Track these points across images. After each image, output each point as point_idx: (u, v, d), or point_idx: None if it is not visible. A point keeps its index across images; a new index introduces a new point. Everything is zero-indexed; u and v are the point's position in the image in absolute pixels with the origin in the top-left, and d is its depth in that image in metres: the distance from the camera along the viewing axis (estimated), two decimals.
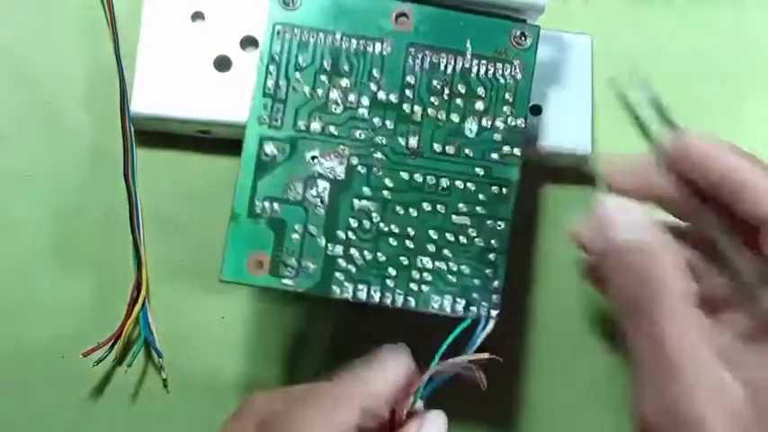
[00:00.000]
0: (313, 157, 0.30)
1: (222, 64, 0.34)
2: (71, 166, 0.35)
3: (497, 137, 0.30)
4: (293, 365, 0.35)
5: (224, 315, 0.35)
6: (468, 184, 0.30)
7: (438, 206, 0.30)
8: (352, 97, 0.30)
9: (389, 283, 0.29)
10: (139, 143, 0.35)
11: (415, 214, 0.30)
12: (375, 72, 0.30)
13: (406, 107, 0.30)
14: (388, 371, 0.27)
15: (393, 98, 0.30)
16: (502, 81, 0.30)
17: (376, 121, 0.30)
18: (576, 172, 0.37)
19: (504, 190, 0.30)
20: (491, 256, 0.30)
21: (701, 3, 0.39)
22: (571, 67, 0.35)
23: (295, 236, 0.29)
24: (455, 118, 0.30)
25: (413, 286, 0.30)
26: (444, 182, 0.30)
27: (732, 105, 0.38)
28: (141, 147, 0.35)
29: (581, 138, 0.35)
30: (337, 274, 0.29)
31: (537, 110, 0.35)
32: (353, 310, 0.35)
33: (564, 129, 0.35)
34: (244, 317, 0.35)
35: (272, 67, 0.30)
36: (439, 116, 0.30)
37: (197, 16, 0.34)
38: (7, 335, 0.33)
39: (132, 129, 0.34)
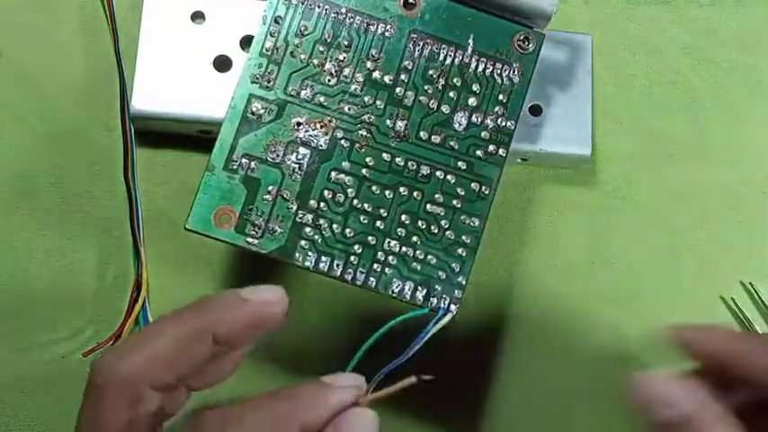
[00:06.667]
0: (298, 124, 0.30)
1: (222, 64, 0.34)
2: (71, 166, 0.35)
3: (485, 134, 0.30)
4: (292, 366, 0.34)
5: None
6: (449, 176, 0.30)
7: (414, 192, 0.30)
8: (347, 71, 0.30)
9: (353, 259, 0.29)
10: (139, 143, 0.35)
11: (391, 196, 0.30)
12: (374, 51, 0.30)
13: (399, 90, 0.30)
14: (333, 398, 0.24)
15: (387, 79, 0.30)
16: (498, 81, 0.30)
17: (367, 98, 0.30)
18: (576, 172, 0.37)
19: (483, 188, 0.30)
20: (460, 250, 0.30)
21: (701, 3, 0.39)
22: (571, 67, 0.35)
23: (267, 197, 0.29)
24: (446, 109, 0.30)
25: (376, 267, 0.29)
26: (425, 169, 0.30)
27: (730, 104, 0.38)
28: (141, 146, 0.35)
29: (581, 138, 0.35)
30: (302, 242, 0.29)
31: (537, 110, 0.35)
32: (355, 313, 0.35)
33: (564, 129, 0.35)
34: None
35: (273, 29, 0.30)
36: (430, 104, 0.30)
37: (197, 16, 0.34)
38: (8, 335, 0.33)
39: (132, 128, 0.34)
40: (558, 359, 0.35)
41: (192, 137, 0.35)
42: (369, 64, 0.30)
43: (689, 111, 0.38)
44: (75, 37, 0.36)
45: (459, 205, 0.30)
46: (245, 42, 0.34)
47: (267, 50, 0.30)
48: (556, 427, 0.35)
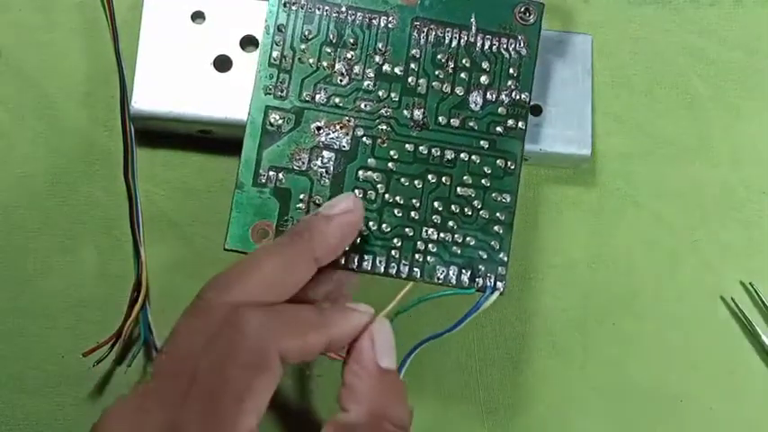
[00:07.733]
0: (318, 128, 0.30)
1: (222, 64, 0.34)
2: (71, 166, 0.35)
3: (502, 110, 0.30)
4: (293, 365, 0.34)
5: None
6: (473, 157, 0.30)
7: (443, 178, 0.30)
8: (357, 69, 0.30)
9: (394, 253, 0.29)
10: (140, 143, 0.34)
11: (420, 186, 0.30)
12: (380, 45, 0.30)
13: (411, 80, 0.30)
14: (360, 318, 0.27)
15: (398, 71, 0.30)
16: (506, 56, 0.31)
17: (381, 93, 0.30)
18: (576, 172, 0.37)
19: (509, 163, 0.30)
20: (496, 228, 0.30)
21: (701, 3, 0.39)
22: (572, 67, 0.35)
23: (300, 205, 0.29)
24: (460, 91, 0.30)
25: (418, 257, 0.29)
26: (449, 154, 0.30)
27: (730, 104, 0.39)
28: (141, 146, 0.35)
29: (581, 138, 0.35)
30: None
31: (537, 110, 0.35)
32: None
33: (564, 129, 0.35)
34: None
35: (277, 38, 0.30)
36: (444, 89, 0.30)
37: (197, 16, 0.34)
38: (7, 335, 0.33)
39: (132, 128, 0.34)
40: (556, 358, 0.35)
41: (192, 137, 0.35)
42: (377, 58, 0.30)
43: (689, 111, 0.38)
44: (76, 37, 0.36)
45: (488, 184, 0.30)
46: (246, 42, 0.34)
47: (275, 60, 0.30)
48: (555, 425, 0.35)
